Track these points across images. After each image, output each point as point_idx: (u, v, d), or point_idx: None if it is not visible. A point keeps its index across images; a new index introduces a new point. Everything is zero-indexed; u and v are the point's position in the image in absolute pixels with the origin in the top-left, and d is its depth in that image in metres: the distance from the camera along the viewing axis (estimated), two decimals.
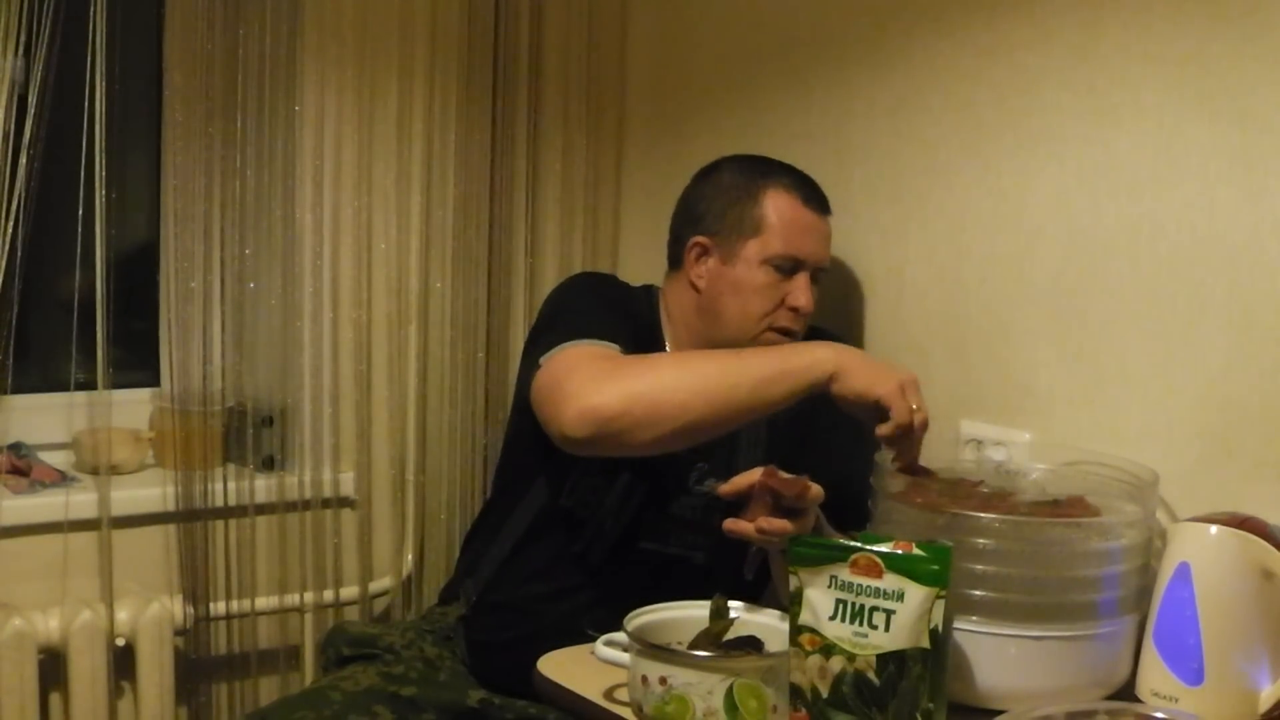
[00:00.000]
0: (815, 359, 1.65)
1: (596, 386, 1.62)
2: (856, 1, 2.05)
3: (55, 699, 2.06)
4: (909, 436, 1.60)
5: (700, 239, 1.89)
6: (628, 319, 1.85)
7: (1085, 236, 1.75)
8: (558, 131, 2.43)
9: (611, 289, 1.98)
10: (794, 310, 1.85)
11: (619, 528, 1.85)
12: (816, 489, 1.56)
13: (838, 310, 2.09)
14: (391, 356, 2.31)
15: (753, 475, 1.54)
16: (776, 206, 1.85)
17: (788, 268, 1.85)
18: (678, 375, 1.66)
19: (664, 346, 1.92)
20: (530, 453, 1.91)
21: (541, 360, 1.73)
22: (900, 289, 2.01)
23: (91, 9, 1.98)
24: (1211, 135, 1.60)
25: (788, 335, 1.87)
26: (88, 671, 2.02)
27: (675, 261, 1.94)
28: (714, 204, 1.89)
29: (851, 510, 1.65)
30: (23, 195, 1.95)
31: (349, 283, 2.26)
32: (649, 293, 1.99)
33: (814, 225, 1.87)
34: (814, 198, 1.89)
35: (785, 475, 1.54)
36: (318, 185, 2.21)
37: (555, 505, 1.89)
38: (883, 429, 1.61)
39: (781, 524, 1.51)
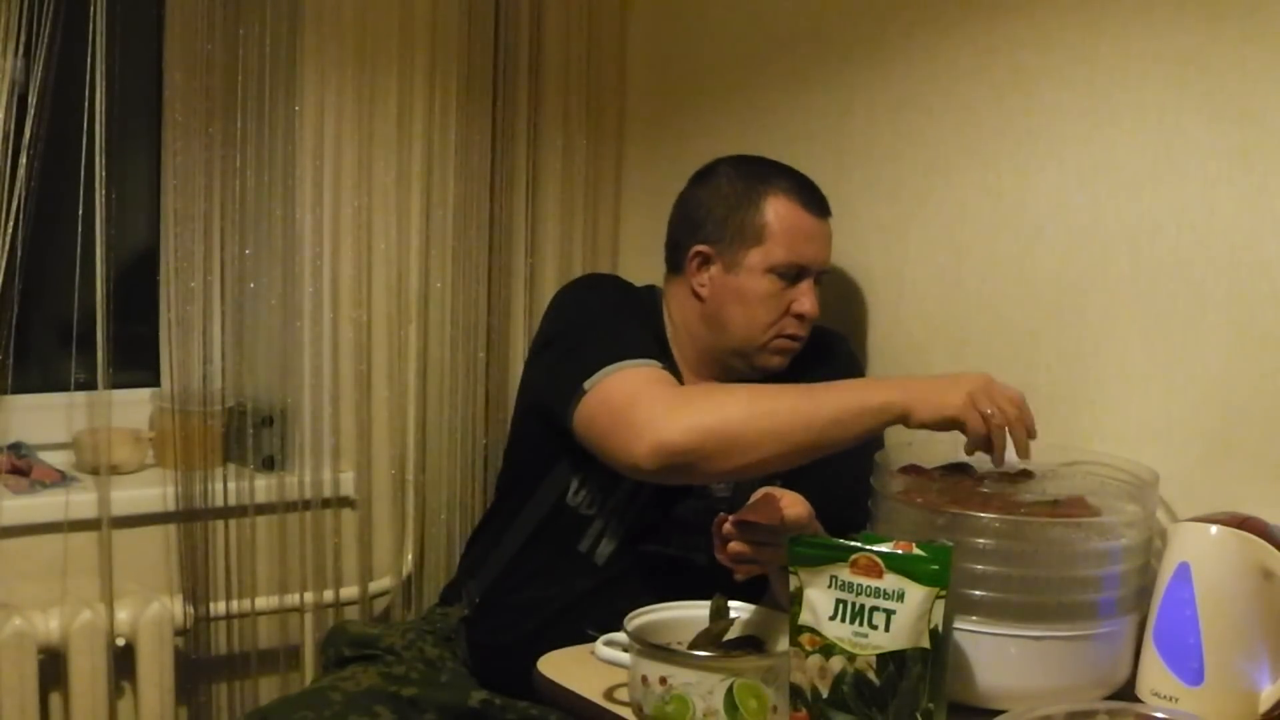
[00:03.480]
0: (887, 401, 1.60)
1: (668, 419, 1.60)
2: (856, 1, 2.05)
3: (55, 699, 2.06)
4: (991, 440, 1.59)
5: (701, 247, 1.88)
6: (647, 329, 1.85)
7: (1085, 236, 1.75)
8: (558, 131, 2.43)
9: (627, 296, 1.95)
10: (799, 317, 1.85)
11: (623, 529, 1.85)
12: (794, 513, 1.55)
13: (838, 310, 2.09)
14: (391, 356, 2.31)
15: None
16: (778, 213, 1.84)
17: (792, 275, 1.85)
18: (750, 412, 1.61)
19: (669, 351, 1.92)
20: (536, 455, 1.90)
21: (586, 385, 1.69)
22: (900, 289, 2.01)
23: (91, 9, 1.97)
24: (1211, 135, 1.61)
25: (794, 341, 1.87)
26: (88, 671, 2.02)
27: (676, 268, 1.93)
28: (714, 211, 1.88)
29: (852, 510, 1.65)
30: (23, 195, 1.94)
31: (349, 283, 2.26)
32: (651, 294, 1.99)
33: (816, 230, 1.87)
34: (814, 201, 1.88)
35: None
36: (318, 185, 2.21)
37: (561, 507, 1.89)
38: (966, 446, 1.61)
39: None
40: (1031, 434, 1.61)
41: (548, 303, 2.03)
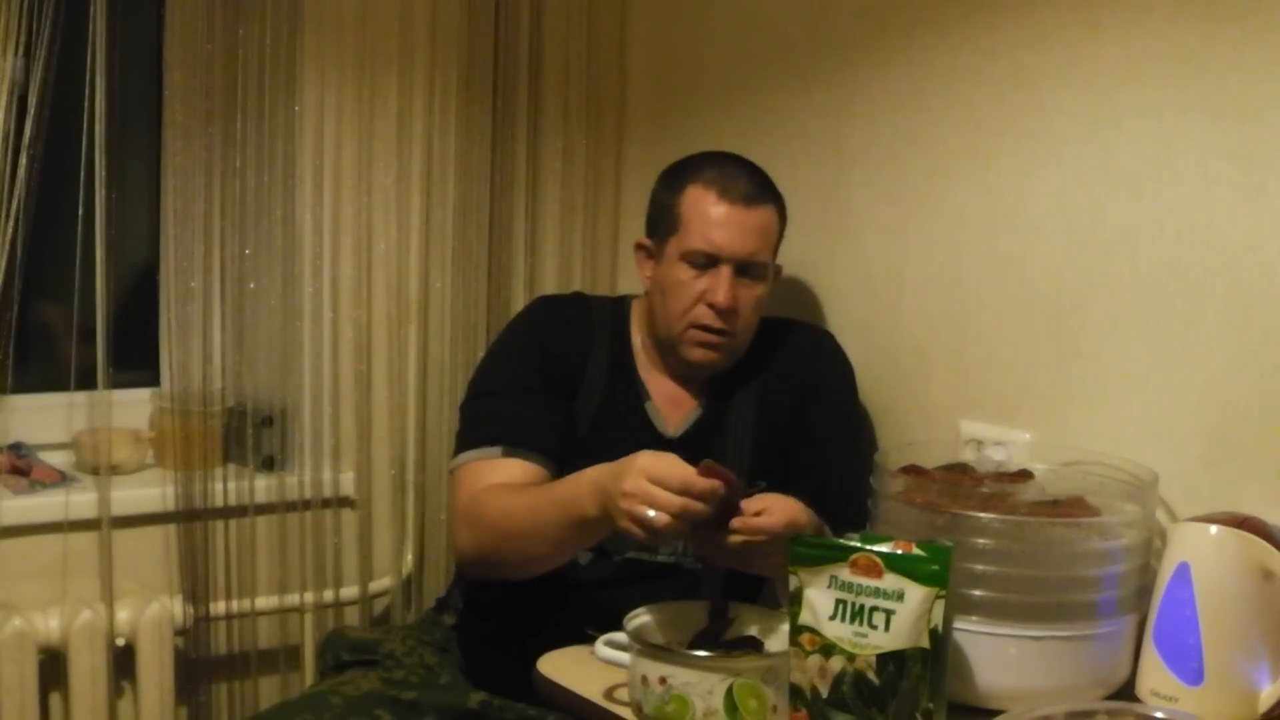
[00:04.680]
0: (586, 515, 1.59)
1: (464, 536, 1.79)
2: (856, 1, 2.05)
3: (55, 699, 2.05)
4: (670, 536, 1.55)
5: (642, 241, 1.93)
6: (550, 365, 1.88)
7: (1085, 236, 1.75)
8: (558, 131, 2.43)
9: (539, 332, 1.94)
10: (711, 307, 1.83)
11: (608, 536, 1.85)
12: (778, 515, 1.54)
13: (838, 310, 2.10)
14: (391, 356, 2.31)
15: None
16: (691, 201, 1.85)
17: (701, 262, 1.84)
18: (506, 530, 1.72)
19: (631, 357, 1.94)
20: None
21: (450, 466, 1.89)
22: (900, 289, 2.01)
23: (91, 9, 1.97)
24: (1211, 135, 1.61)
25: (711, 334, 1.85)
26: (88, 671, 2.02)
27: None
28: (652, 206, 1.93)
29: (849, 510, 1.65)
30: (23, 195, 1.94)
31: (349, 283, 2.26)
32: (620, 305, 2.01)
33: (729, 218, 1.84)
34: (734, 190, 1.84)
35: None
36: (318, 185, 2.21)
37: None
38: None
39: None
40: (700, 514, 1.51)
41: None
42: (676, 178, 1.90)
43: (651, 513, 1.48)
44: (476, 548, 1.77)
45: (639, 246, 1.94)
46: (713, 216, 1.83)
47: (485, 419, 1.87)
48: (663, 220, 1.88)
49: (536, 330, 1.95)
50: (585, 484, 1.60)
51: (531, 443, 1.81)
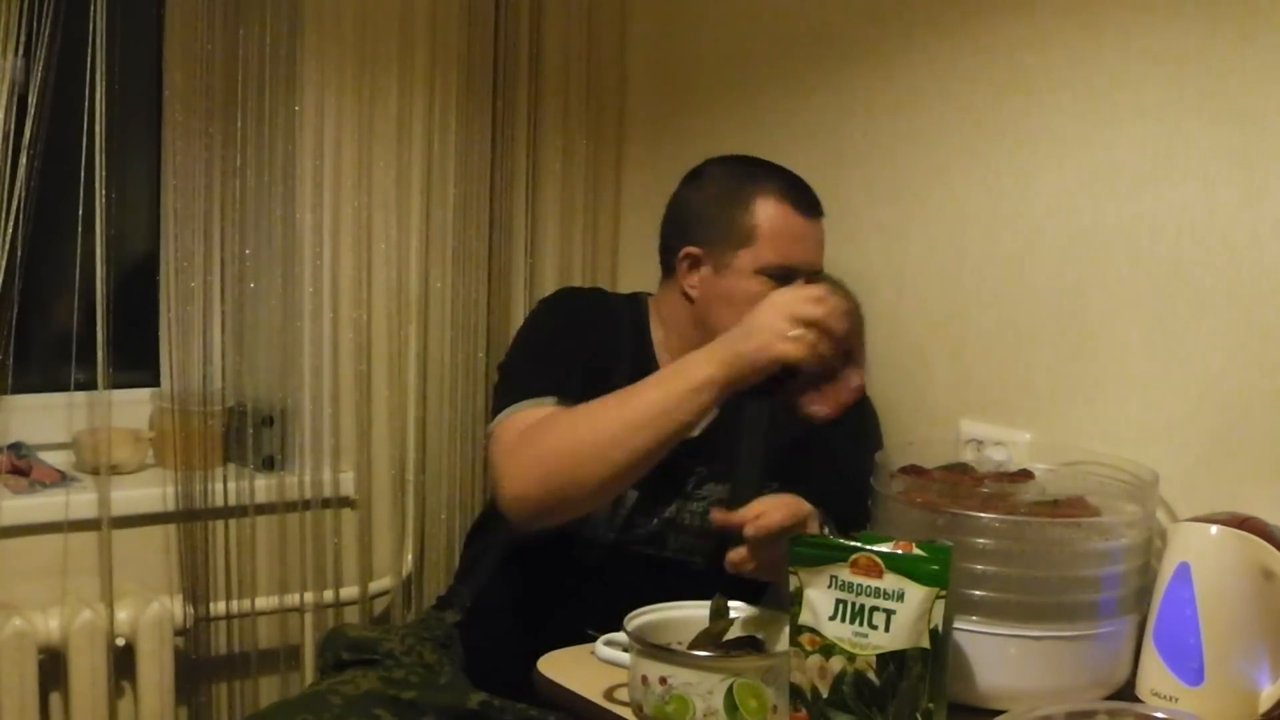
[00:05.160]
0: (707, 378, 1.60)
1: (513, 474, 1.70)
2: (856, 1, 2.06)
3: (55, 699, 2.06)
4: (827, 365, 1.61)
5: (691, 249, 1.87)
6: (588, 346, 1.86)
7: (1085, 236, 1.75)
8: (558, 131, 2.43)
9: (577, 314, 1.94)
10: None
11: (613, 534, 1.85)
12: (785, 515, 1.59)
13: None
14: (391, 356, 2.31)
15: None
16: (767, 214, 1.83)
17: (781, 276, 1.82)
18: (577, 438, 1.65)
19: (652, 356, 1.91)
20: None
21: (490, 427, 1.80)
22: (900, 289, 2.01)
23: (91, 9, 1.98)
24: (1211, 135, 1.61)
25: None
26: (88, 671, 2.02)
27: (668, 270, 1.92)
28: (703, 212, 1.87)
29: (853, 509, 1.65)
30: (23, 195, 1.94)
31: (349, 283, 2.26)
32: (635, 302, 1.99)
33: (806, 231, 1.85)
34: (804, 202, 1.85)
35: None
36: (318, 185, 2.21)
37: None
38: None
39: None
40: (844, 328, 1.61)
41: None
42: (735, 186, 1.86)
43: (794, 330, 1.56)
44: (532, 480, 1.68)
45: (686, 255, 1.87)
46: (794, 231, 1.83)
47: (527, 384, 1.81)
48: (727, 230, 1.84)
49: (567, 323, 1.93)
50: (696, 353, 1.63)
51: (580, 400, 1.75)
